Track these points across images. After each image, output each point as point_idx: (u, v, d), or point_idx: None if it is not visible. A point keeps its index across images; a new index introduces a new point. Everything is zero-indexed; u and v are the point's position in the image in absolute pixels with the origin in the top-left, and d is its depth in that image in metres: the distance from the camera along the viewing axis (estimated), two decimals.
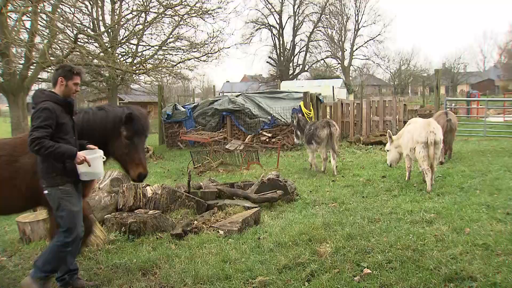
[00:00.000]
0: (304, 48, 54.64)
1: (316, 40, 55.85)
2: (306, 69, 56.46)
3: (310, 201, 7.80)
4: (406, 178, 9.16)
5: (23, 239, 6.22)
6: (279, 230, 6.12)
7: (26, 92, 15.83)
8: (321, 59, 57.48)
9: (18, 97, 15.42)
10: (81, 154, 4.12)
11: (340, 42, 57.87)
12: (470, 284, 4.12)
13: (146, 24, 19.33)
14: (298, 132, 11.46)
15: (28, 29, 15.94)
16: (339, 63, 58.89)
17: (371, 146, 15.22)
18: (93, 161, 4.19)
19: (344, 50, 58.26)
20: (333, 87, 29.76)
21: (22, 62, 15.98)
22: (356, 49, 58.64)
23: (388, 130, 10.40)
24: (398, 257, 4.82)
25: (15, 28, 14.98)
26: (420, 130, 8.18)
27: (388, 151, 9.54)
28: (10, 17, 15.51)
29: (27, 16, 15.30)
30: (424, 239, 5.38)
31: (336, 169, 10.36)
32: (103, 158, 4.29)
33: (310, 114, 16.31)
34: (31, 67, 15.62)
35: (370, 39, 57.52)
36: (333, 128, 10.45)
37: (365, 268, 4.60)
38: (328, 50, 58.04)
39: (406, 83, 64.55)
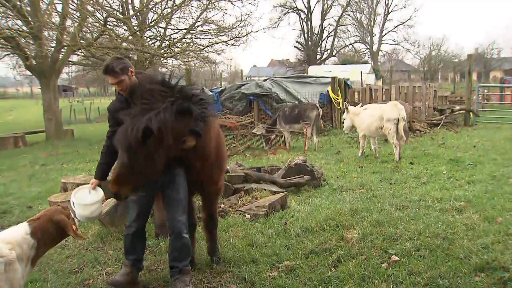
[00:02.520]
0: (333, 33, 54.00)
1: (344, 25, 55.12)
2: (334, 54, 55.84)
3: (337, 187, 7.75)
4: (359, 155, 10.62)
5: None
6: (305, 215, 6.11)
7: (57, 75, 16.16)
8: (350, 44, 56.78)
9: (49, 80, 15.74)
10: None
11: (369, 27, 56.96)
12: (502, 274, 4.03)
13: (174, 7, 19.33)
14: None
15: (59, 13, 16.19)
16: (367, 48, 58.03)
17: None
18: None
19: (373, 35, 57.35)
20: (361, 72, 29.30)
21: (54, 45, 16.28)
22: (386, 34, 57.61)
23: (345, 102, 12.51)
24: (427, 245, 4.75)
25: (47, 12, 15.21)
26: (391, 109, 9.75)
27: (344, 119, 11.19)
28: (43, 0, 15.77)
29: (59, 0, 15.51)
30: (454, 227, 5.28)
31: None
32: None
33: (338, 99, 16.15)
34: (62, 50, 15.87)
35: (400, 24, 56.39)
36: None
37: (392, 255, 4.55)
38: (356, 35, 57.25)
39: (436, 69, 63.15)
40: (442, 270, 4.14)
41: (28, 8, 15.17)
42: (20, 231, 3.08)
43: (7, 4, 13.64)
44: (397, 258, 4.47)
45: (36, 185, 8.93)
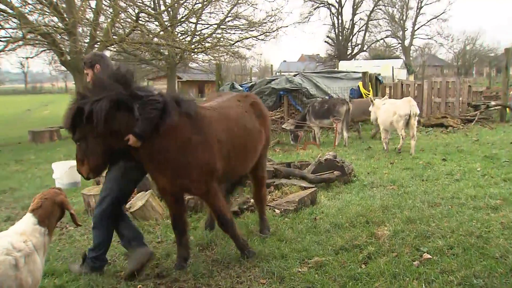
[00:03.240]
0: (364, 27, 53.29)
1: (376, 19, 54.34)
2: (364, 49, 55.15)
3: (368, 183, 7.66)
4: (385, 149, 10.82)
5: (87, 210, 6.50)
6: (335, 211, 6.07)
7: None
8: (381, 39, 55.96)
9: (83, 75, 16.03)
10: None
11: (401, 21, 55.98)
12: None
13: (205, 2, 19.46)
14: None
15: (93, 9, 16.50)
16: (399, 43, 57.07)
17: (431, 129, 14.69)
18: None
19: (405, 29, 56.33)
20: (392, 67, 28.84)
21: (87, 40, 16.59)
22: (418, 28, 56.50)
23: (370, 96, 12.97)
24: (461, 243, 4.64)
25: (82, 8, 15.52)
26: (403, 105, 10.14)
27: (370, 111, 11.85)
28: None
29: None
30: (489, 226, 5.15)
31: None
32: None
33: (369, 94, 15.96)
34: (95, 45, 16.17)
35: (434, 18, 55.14)
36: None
37: (424, 253, 4.47)
38: (388, 29, 56.35)
39: (471, 64, 61.57)
40: (477, 269, 4.04)
41: (64, 5, 15.52)
42: (28, 222, 3.10)
43: (44, 1, 13.97)
44: (429, 256, 4.38)
45: None
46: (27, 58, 23.42)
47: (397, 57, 48.43)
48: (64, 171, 4.53)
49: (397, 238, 4.89)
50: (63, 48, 16.06)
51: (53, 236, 5.52)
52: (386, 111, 10.55)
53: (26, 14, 14.78)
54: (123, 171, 4.38)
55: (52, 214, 3.24)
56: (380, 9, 54.03)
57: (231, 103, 4.97)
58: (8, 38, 14.85)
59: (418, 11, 55.78)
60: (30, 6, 15.58)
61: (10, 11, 13.99)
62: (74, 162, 4.38)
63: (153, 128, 3.95)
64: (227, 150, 4.46)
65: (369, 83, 16.39)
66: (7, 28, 15.46)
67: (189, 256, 4.63)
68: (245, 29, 20.94)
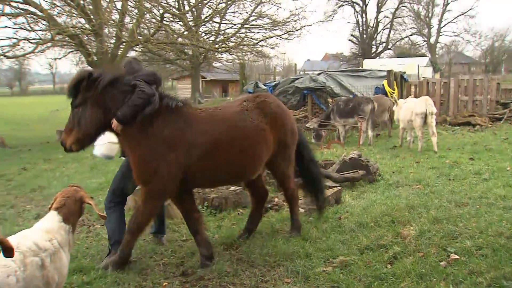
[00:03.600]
0: (388, 25, 52.66)
1: (401, 17, 53.61)
2: (389, 47, 54.49)
3: (393, 182, 7.58)
4: (399, 145, 11.38)
5: None
6: (360, 210, 6.02)
7: None
8: (406, 37, 55.20)
9: None
10: None
11: (427, 18, 55.13)
12: None
13: (229, 2, 19.52)
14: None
15: (119, 10, 16.74)
16: (425, 41, 56.21)
17: (458, 127, 14.41)
18: None
19: (431, 26, 55.44)
20: (418, 65, 28.47)
21: (113, 41, 16.84)
22: (444, 25, 55.59)
23: (394, 96, 12.98)
24: (490, 244, 4.54)
25: (108, 9, 15.78)
26: (420, 104, 10.30)
27: (394, 110, 12.05)
28: None
29: None
30: None
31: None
32: None
33: (393, 93, 15.76)
34: (121, 46, 16.42)
35: (461, 14, 54.11)
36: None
37: (452, 253, 4.39)
38: (413, 27, 55.54)
39: (500, 61, 60.17)
40: (507, 271, 3.94)
41: (90, 7, 15.79)
42: (54, 220, 3.15)
43: (71, 3, 14.25)
44: (457, 256, 4.31)
45: (97, 177, 9.32)
46: (55, 59, 23.85)
47: (423, 55, 47.70)
48: (104, 143, 4.79)
49: (423, 238, 4.82)
50: (90, 49, 16.35)
51: (81, 234, 5.67)
52: (405, 109, 10.79)
53: (54, 16, 15.10)
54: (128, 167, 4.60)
55: (75, 211, 3.30)
56: (405, 6, 53.35)
57: (233, 104, 5.00)
58: (38, 40, 15.20)
59: (444, 8, 54.85)
60: (59, 8, 15.92)
61: (40, 13, 14.31)
62: (114, 138, 4.58)
63: (134, 115, 4.20)
64: (202, 152, 4.44)
65: (394, 82, 16.19)
66: (36, 30, 15.83)
67: (211, 255, 4.63)
68: (269, 28, 20.97)
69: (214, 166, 4.55)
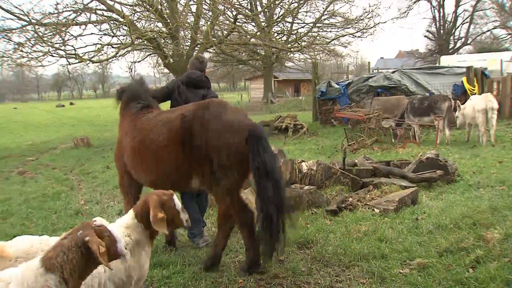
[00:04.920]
0: (468, 19, 50.06)
1: (482, 9, 50.73)
2: (468, 42, 51.78)
3: (473, 183, 7.24)
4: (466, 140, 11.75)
5: None
6: (438, 211, 5.82)
7: None
8: (487, 30, 52.15)
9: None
10: None
11: None
12: None
13: (301, 1, 19.51)
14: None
15: (193, 13, 17.26)
16: (509, 34, 52.83)
17: None
18: None
19: None
20: (501, 60, 26.85)
21: (188, 43, 17.40)
22: None
23: (457, 101, 12.37)
24: None
25: (183, 13, 16.32)
26: (481, 100, 10.86)
27: (457, 117, 11.86)
28: (179, 2, 16.98)
29: (193, 1, 16.56)
30: None
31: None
32: None
33: (474, 90, 15.02)
34: (196, 48, 16.92)
35: None
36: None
37: None
38: (496, 20, 52.32)
39: None
40: None
41: (167, 11, 16.42)
42: (130, 218, 3.26)
43: (150, 8, 14.90)
44: None
45: None
46: (134, 62, 25.07)
47: (507, 49, 44.88)
48: None
49: (509, 243, 4.57)
50: (167, 52, 17.00)
51: None
52: (468, 106, 11.31)
53: (134, 22, 15.86)
54: None
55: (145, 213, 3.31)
56: None
57: (176, 110, 4.73)
58: (119, 45, 16.03)
59: None
60: (138, 13, 16.71)
61: (121, 19, 15.09)
62: None
63: None
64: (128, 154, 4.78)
65: (474, 78, 15.42)
66: (118, 36, 16.71)
67: (255, 263, 4.41)
68: (341, 27, 20.73)
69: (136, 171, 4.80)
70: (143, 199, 3.32)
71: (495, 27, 52.02)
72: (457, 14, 49.71)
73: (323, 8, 20.42)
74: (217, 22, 17.21)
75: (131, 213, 3.29)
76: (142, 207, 3.25)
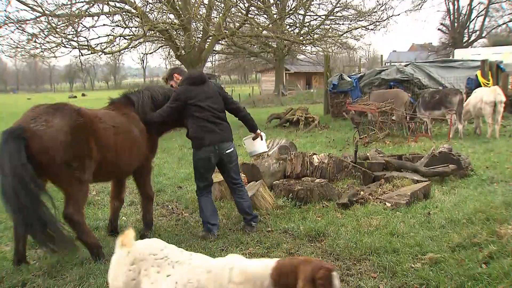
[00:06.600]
0: (483, 12, 49.34)
1: (498, 2, 49.96)
2: (483, 35, 51.07)
3: (487, 178, 7.18)
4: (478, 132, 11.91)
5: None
6: (451, 206, 5.78)
7: (203, 63, 17.22)
8: (503, 23, 51.37)
9: (196, 67, 16.87)
10: None
11: None
12: None
13: None
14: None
15: (206, 5, 17.23)
16: None
17: None
18: None
19: None
20: None
21: (200, 35, 17.39)
22: None
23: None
24: None
25: (196, 4, 16.30)
26: (489, 93, 11.15)
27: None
28: None
29: None
30: None
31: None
32: None
33: (488, 84, 14.84)
34: (208, 40, 16.90)
35: None
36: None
37: None
38: None
39: None
40: None
41: (179, 2, 16.41)
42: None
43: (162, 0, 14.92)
44: None
45: (185, 167, 9.68)
46: (146, 54, 25.11)
47: None
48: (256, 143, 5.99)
49: None
50: (179, 43, 17.00)
51: (171, 221, 5.96)
52: (474, 98, 11.58)
53: (146, 13, 15.87)
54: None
55: None
56: None
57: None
58: (131, 36, 16.05)
59: None
60: (150, 5, 16.71)
61: (134, 11, 15.11)
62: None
63: None
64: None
65: (489, 72, 15.23)
66: (131, 27, 16.74)
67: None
68: (354, 19, 20.58)
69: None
70: (293, 264, 2.55)
71: (511, 20, 51.22)
72: (472, 7, 49.03)
73: (336, 1, 20.27)
74: (229, 14, 17.15)
75: (267, 271, 2.55)
76: (287, 274, 2.50)
